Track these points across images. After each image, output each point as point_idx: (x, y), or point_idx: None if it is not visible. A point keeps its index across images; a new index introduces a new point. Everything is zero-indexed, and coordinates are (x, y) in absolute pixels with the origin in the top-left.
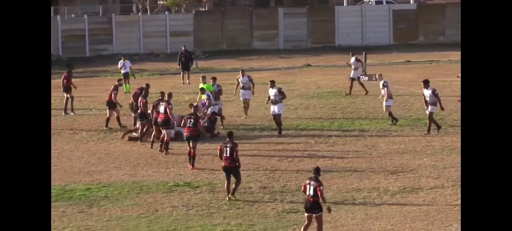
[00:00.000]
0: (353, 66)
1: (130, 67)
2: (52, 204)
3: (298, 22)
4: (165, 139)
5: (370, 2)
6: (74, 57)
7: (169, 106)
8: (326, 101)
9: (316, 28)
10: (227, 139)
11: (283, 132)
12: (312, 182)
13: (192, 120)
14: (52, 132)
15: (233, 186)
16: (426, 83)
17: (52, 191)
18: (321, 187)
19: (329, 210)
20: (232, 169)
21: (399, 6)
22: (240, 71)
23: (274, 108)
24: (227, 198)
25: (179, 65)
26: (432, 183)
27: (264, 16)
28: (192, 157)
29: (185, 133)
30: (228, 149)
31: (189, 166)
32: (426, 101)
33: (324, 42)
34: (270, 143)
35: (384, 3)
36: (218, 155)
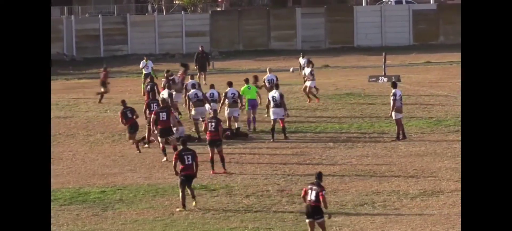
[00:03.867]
0: (304, 70)
1: (152, 68)
2: (66, 207)
3: (316, 22)
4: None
5: (390, 2)
6: (88, 58)
7: (173, 111)
8: (345, 103)
9: (334, 28)
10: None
11: (301, 135)
12: (314, 187)
13: (213, 123)
14: (66, 133)
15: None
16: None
17: (66, 194)
18: (323, 192)
19: (329, 216)
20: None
21: (419, 6)
22: (267, 69)
23: (276, 112)
24: None
25: (195, 65)
26: (452, 186)
27: (282, 16)
28: (221, 160)
29: (207, 138)
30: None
31: (211, 172)
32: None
33: (343, 42)
34: (287, 147)
35: (404, 3)
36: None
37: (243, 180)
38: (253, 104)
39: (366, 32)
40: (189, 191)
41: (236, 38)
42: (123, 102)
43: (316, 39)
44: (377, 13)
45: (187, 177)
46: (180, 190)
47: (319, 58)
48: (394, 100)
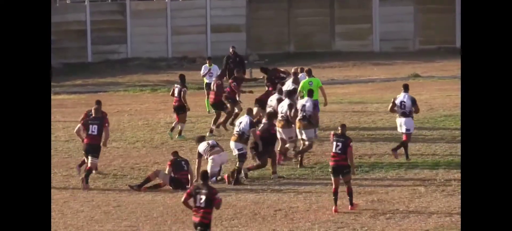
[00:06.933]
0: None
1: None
2: None
3: (401, 12)
4: (88, 166)
5: None
6: (70, 64)
7: (106, 124)
8: (443, 129)
9: (428, 21)
10: None
11: (377, 175)
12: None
13: (340, 144)
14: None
15: None
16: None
17: None
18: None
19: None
20: None
21: None
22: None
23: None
24: None
25: (225, 75)
26: None
27: (352, 3)
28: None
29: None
30: None
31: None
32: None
33: (440, 42)
34: (360, 193)
35: None
36: None
37: None
38: None
39: None
40: None
41: (285, 36)
42: (175, 153)
43: (401, 37)
44: None
45: None
46: None
47: (406, 64)
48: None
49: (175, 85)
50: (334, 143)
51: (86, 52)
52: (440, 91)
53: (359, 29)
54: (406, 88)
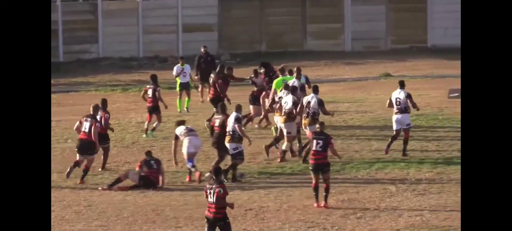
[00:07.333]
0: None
1: (190, 75)
2: None
3: (373, 11)
4: (85, 165)
5: None
6: None
7: (97, 123)
8: (414, 131)
9: (399, 20)
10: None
11: (350, 175)
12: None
13: (320, 142)
14: None
15: None
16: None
17: None
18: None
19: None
20: None
21: None
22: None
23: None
24: None
25: (197, 74)
26: None
27: (324, 2)
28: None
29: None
30: None
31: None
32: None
33: (412, 41)
34: (331, 191)
35: None
36: None
37: None
38: None
39: (445, 26)
40: None
41: (257, 35)
42: (148, 153)
43: (373, 36)
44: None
45: None
46: None
47: (377, 63)
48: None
49: (147, 86)
50: (315, 141)
51: (58, 51)
52: (411, 90)
53: (331, 28)
54: (402, 84)
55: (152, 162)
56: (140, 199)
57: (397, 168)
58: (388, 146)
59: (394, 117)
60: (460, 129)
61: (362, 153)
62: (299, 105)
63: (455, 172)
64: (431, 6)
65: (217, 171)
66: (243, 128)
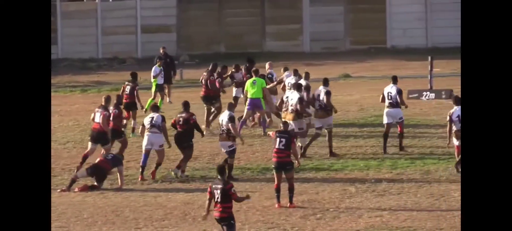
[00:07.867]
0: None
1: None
2: None
3: (332, 12)
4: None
5: None
6: None
7: (105, 113)
8: (373, 130)
9: (358, 21)
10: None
11: (310, 174)
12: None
13: (283, 140)
14: None
15: None
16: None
17: None
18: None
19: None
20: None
21: None
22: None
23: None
24: None
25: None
26: None
27: (282, 4)
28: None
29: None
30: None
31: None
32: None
33: (370, 42)
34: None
35: None
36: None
37: None
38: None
39: (404, 28)
40: None
41: (216, 36)
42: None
43: (331, 37)
44: (421, 0)
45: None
46: None
47: (336, 64)
48: (451, 122)
49: (126, 83)
50: (277, 140)
51: None
52: (370, 91)
53: (290, 29)
54: (394, 79)
55: (110, 156)
56: (100, 200)
57: (357, 169)
58: (385, 146)
59: (386, 110)
60: (419, 129)
61: (322, 153)
62: (305, 101)
63: (414, 172)
64: (390, 7)
65: (221, 170)
66: (235, 127)
